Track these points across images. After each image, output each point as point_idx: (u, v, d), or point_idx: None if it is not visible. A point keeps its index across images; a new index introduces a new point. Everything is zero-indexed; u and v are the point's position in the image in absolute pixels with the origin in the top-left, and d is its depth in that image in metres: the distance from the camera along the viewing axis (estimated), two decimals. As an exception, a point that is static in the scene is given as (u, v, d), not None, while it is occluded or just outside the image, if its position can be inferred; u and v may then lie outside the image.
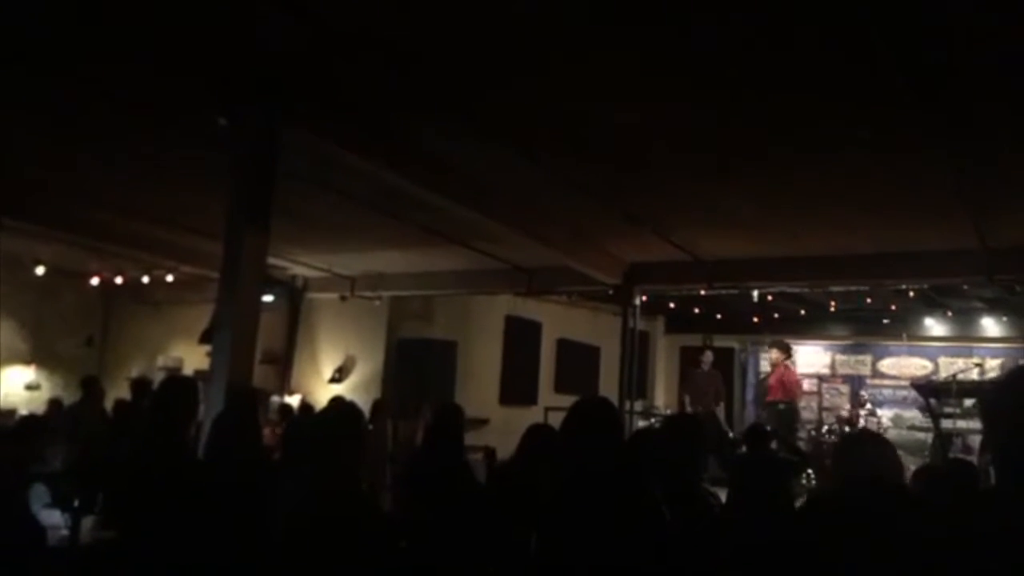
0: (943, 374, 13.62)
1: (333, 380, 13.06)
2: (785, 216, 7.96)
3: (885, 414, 13.38)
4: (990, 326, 14.35)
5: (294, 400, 12.42)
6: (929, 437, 11.23)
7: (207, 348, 5.73)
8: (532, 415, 10.96)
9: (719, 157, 6.32)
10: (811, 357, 16.18)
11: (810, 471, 11.42)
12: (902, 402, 14.45)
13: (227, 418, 4.29)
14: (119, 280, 12.77)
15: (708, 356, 13.20)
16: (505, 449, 4.80)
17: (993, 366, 13.65)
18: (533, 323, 14.40)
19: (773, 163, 6.41)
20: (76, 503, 4.55)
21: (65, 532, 4.50)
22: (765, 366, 14.73)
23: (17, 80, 5.65)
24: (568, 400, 3.37)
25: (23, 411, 10.85)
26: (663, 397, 16.88)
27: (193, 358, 12.34)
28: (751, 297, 11.34)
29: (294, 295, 13.18)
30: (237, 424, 4.20)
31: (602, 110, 5.56)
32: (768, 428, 8.24)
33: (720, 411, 12.67)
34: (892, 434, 12.15)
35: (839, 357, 16.02)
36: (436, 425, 5.14)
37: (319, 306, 13.43)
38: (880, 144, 5.82)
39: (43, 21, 4.70)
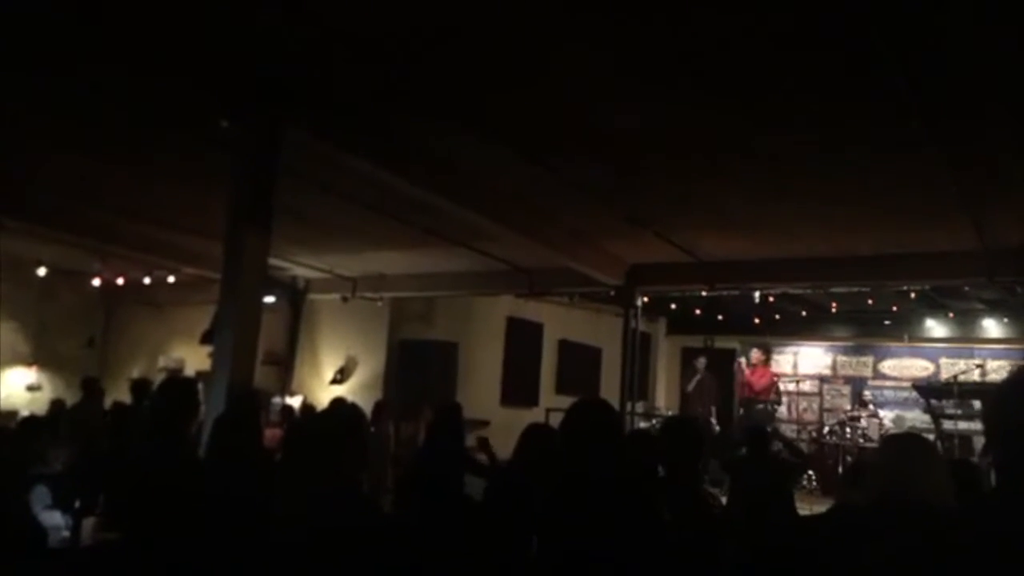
0: (944, 375, 13.60)
1: (334, 381, 13.06)
2: (786, 217, 7.96)
3: (886, 415, 13.36)
4: (991, 327, 14.34)
5: (295, 401, 12.43)
6: (930, 438, 11.21)
7: (208, 349, 5.74)
8: (533, 416, 10.96)
9: (720, 158, 6.33)
10: (812, 358, 16.16)
11: (811, 472, 11.43)
12: (903, 403, 14.43)
13: (228, 419, 4.29)
14: (120, 281, 12.79)
15: (701, 362, 13.24)
16: (506, 450, 4.79)
17: (994, 367, 13.64)
18: (534, 324, 14.40)
19: (774, 164, 6.40)
20: (77, 504, 4.55)
21: (66, 533, 4.50)
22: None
23: (19, 81, 5.66)
24: (569, 401, 3.36)
25: (24, 412, 10.86)
26: (664, 398, 16.86)
27: (194, 359, 12.36)
28: (752, 298, 11.33)
29: (295, 296, 13.19)
30: (238, 425, 4.20)
31: (602, 111, 5.57)
32: (769, 429, 8.24)
33: (713, 416, 12.68)
34: (893, 435, 12.12)
35: (840, 358, 16.00)
36: (436, 424, 5.15)
37: (320, 307, 13.44)
38: (881, 145, 5.82)
39: (45, 22, 4.70)
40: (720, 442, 11.00)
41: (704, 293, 11.09)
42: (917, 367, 15.16)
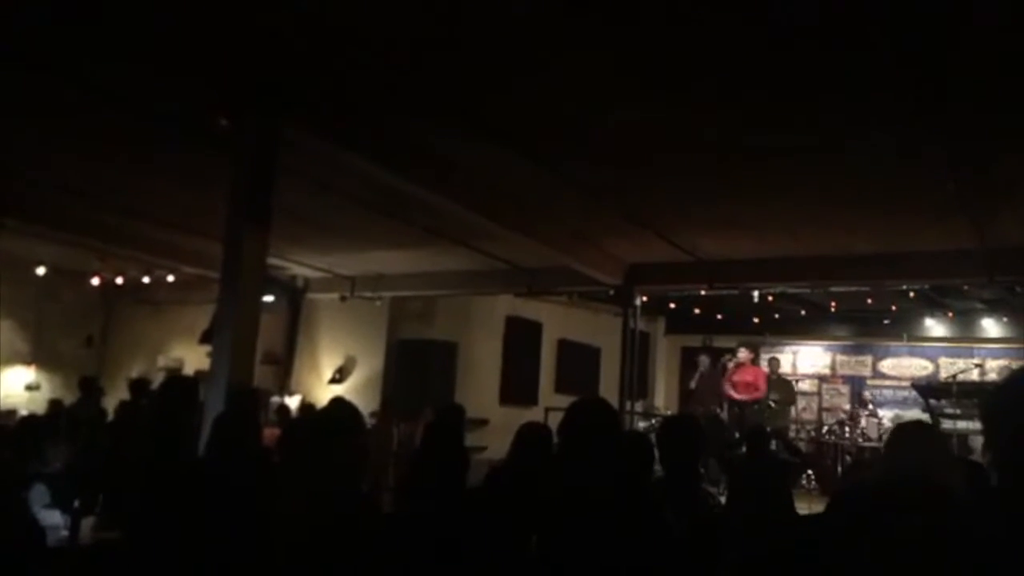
0: (943, 375, 13.60)
1: (333, 381, 13.06)
2: (786, 216, 7.97)
3: (885, 414, 13.36)
4: (990, 327, 14.34)
5: (294, 401, 12.43)
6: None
7: (207, 348, 5.74)
8: (532, 415, 10.93)
9: (719, 158, 6.33)
10: (811, 357, 16.17)
11: (810, 472, 11.43)
12: (902, 403, 14.42)
13: (227, 418, 4.29)
14: (119, 280, 12.79)
15: (704, 359, 13.20)
16: (505, 450, 4.79)
17: (994, 367, 13.64)
18: (534, 323, 14.40)
19: (774, 164, 6.41)
20: (76, 503, 4.54)
21: (65, 533, 4.50)
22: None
23: (18, 81, 5.66)
24: (568, 400, 3.36)
25: (23, 411, 10.86)
26: (663, 398, 16.87)
27: (193, 358, 12.35)
28: (751, 298, 11.32)
29: (294, 295, 13.19)
30: (237, 424, 4.19)
31: (602, 111, 5.57)
32: (768, 429, 8.24)
33: (724, 412, 12.62)
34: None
35: (839, 357, 16.00)
36: (436, 424, 5.14)
37: (319, 306, 13.43)
38: (881, 145, 5.82)
39: (44, 22, 4.70)
40: (723, 438, 10.95)
41: (703, 292, 11.09)
42: (916, 366, 15.16)
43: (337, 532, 2.99)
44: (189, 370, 12.50)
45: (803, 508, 7.35)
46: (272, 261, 9.73)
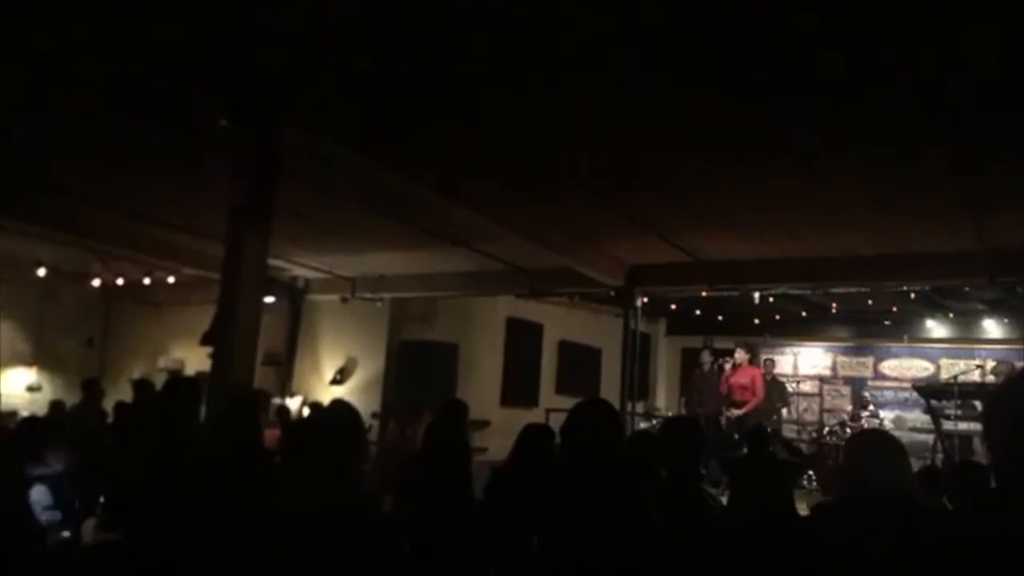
0: (944, 376, 13.59)
1: (334, 382, 13.06)
2: (787, 218, 7.96)
3: (887, 416, 13.35)
4: (991, 328, 14.34)
5: (294, 402, 12.43)
6: (930, 439, 11.22)
7: (208, 350, 5.73)
8: (533, 416, 10.94)
9: (720, 159, 6.33)
10: (812, 359, 16.16)
11: (811, 472, 11.42)
12: (903, 404, 14.42)
13: (228, 420, 4.29)
14: (120, 281, 12.79)
15: (706, 356, 13.16)
16: (506, 451, 4.79)
17: (992, 368, 13.63)
18: (534, 325, 14.39)
19: (775, 166, 6.41)
20: (77, 505, 4.55)
21: (66, 534, 4.50)
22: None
23: (18, 81, 5.66)
24: (569, 402, 3.36)
25: (24, 413, 10.85)
26: (664, 399, 16.86)
27: (194, 360, 12.34)
28: (752, 299, 11.32)
29: (295, 296, 13.18)
30: (238, 426, 4.19)
31: (603, 112, 5.57)
32: (769, 430, 8.24)
33: (723, 413, 12.58)
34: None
35: (840, 359, 16.00)
36: (439, 422, 5.14)
37: (320, 308, 13.43)
38: (881, 146, 5.82)
39: (44, 22, 4.70)
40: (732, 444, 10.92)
41: (704, 294, 11.09)
42: (917, 367, 15.16)
43: (336, 534, 2.99)
44: (190, 371, 12.50)
45: (803, 509, 7.34)
46: (273, 262, 9.73)
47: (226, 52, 4.98)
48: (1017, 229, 7.69)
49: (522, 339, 14.11)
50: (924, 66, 4.50)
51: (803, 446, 12.85)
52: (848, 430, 12.46)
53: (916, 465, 8.04)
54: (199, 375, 9.70)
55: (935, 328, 14.79)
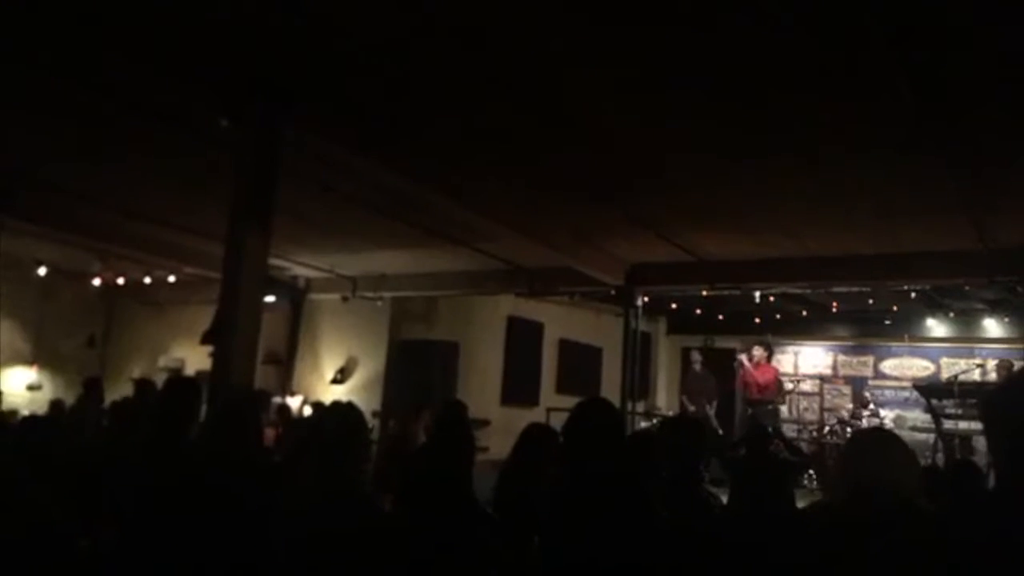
0: (945, 375, 13.58)
1: (335, 381, 13.06)
2: (787, 217, 7.96)
3: (887, 415, 13.34)
4: (992, 327, 14.32)
5: (295, 401, 12.42)
6: (931, 438, 11.21)
7: (209, 349, 5.73)
8: (534, 416, 10.95)
9: (720, 158, 6.33)
10: (813, 358, 16.15)
11: (811, 472, 11.41)
12: (904, 403, 14.40)
13: (229, 419, 4.29)
14: (121, 281, 12.79)
15: (696, 356, 13.20)
16: (507, 450, 4.79)
17: (995, 366, 13.62)
18: (535, 324, 14.39)
19: (775, 166, 6.41)
20: (77, 506, 4.54)
21: (66, 535, 4.49)
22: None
23: (19, 81, 5.66)
24: (570, 401, 3.37)
25: (25, 412, 10.85)
26: (665, 398, 16.85)
27: (195, 359, 12.33)
28: (753, 298, 11.32)
29: (296, 296, 13.18)
30: (238, 425, 4.19)
31: (604, 112, 5.57)
32: (770, 429, 8.23)
33: (712, 411, 12.60)
34: (893, 435, 12.07)
35: (841, 358, 15.98)
36: (440, 423, 5.14)
37: (321, 307, 13.44)
38: (881, 146, 5.82)
39: (45, 22, 4.70)
40: (721, 443, 10.95)
41: (704, 293, 11.09)
42: (918, 367, 15.15)
43: (339, 533, 2.99)
44: (190, 370, 12.50)
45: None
46: (273, 261, 9.73)
47: (226, 52, 4.99)
48: (1017, 229, 7.69)
49: (523, 338, 14.10)
50: (924, 66, 4.50)
51: (804, 445, 12.83)
52: (848, 429, 12.46)
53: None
54: (200, 374, 9.70)
55: (935, 327, 14.77)
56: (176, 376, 10.87)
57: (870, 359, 15.70)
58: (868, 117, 5.31)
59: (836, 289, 11.32)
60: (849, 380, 15.74)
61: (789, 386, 13.80)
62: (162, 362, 13.96)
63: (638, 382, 11.41)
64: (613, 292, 11.20)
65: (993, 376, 11.93)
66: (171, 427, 4.27)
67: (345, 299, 12.70)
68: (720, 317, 14.87)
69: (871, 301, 12.87)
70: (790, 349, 16.04)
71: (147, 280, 12.54)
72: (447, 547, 3.46)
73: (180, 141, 6.49)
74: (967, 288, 11.72)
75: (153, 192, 8.39)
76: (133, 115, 6.06)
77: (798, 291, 11.68)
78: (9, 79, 5.62)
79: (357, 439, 3.37)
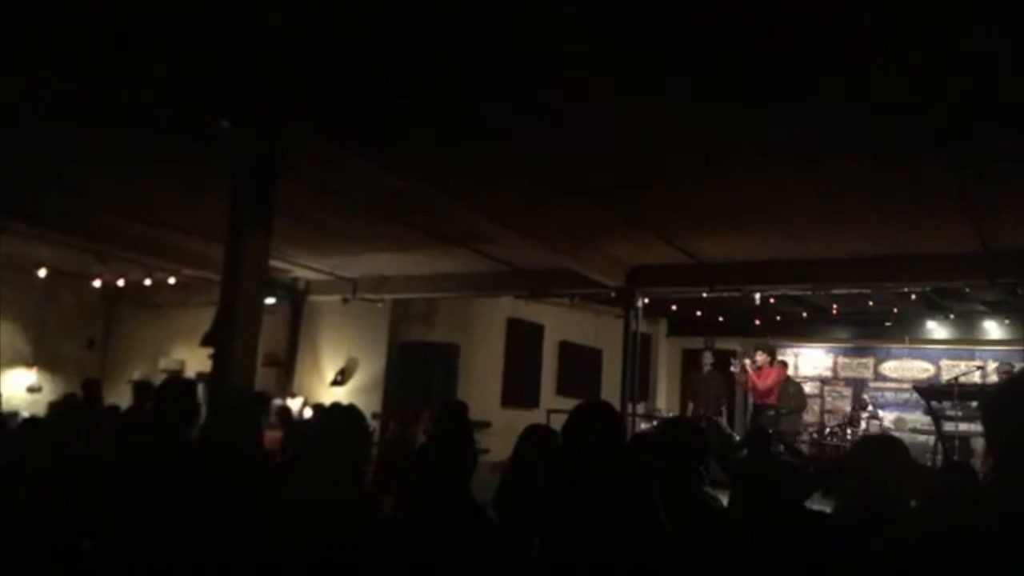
0: (945, 377, 13.58)
1: (335, 383, 13.06)
2: (787, 219, 7.97)
3: (887, 416, 13.34)
4: (992, 328, 14.32)
5: (295, 403, 12.42)
6: (931, 440, 11.21)
7: (209, 351, 5.74)
8: (534, 417, 10.94)
9: (720, 160, 6.33)
10: (813, 360, 16.16)
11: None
12: (904, 405, 14.42)
13: (229, 421, 4.29)
14: (121, 283, 12.80)
15: (707, 357, 13.16)
16: (507, 452, 4.79)
17: (995, 369, 13.62)
18: (535, 326, 14.39)
19: (775, 167, 6.41)
20: (77, 507, 4.54)
21: (66, 536, 4.49)
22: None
23: (19, 84, 5.66)
24: (570, 403, 3.37)
25: (25, 414, 10.85)
26: (665, 400, 16.85)
27: (195, 360, 12.35)
28: (753, 300, 11.32)
29: (296, 297, 13.18)
30: (239, 427, 4.19)
31: (603, 113, 5.57)
32: (771, 431, 8.23)
33: (722, 415, 12.60)
34: (894, 437, 12.08)
35: (841, 360, 16.00)
36: (441, 424, 5.14)
37: (321, 308, 13.44)
38: (882, 147, 5.82)
39: (46, 25, 4.70)
40: (733, 447, 10.94)
41: (705, 294, 11.09)
42: (918, 369, 15.16)
43: (336, 536, 2.99)
44: (190, 372, 12.51)
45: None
46: (273, 263, 9.73)
47: (227, 53, 4.99)
48: (1017, 229, 7.69)
49: (523, 340, 14.10)
50: (924, 66, 4.50)
51: (804, 447, 12.83)
52: (849, 431, 12.46)
53: (917, 466, 8.04)
54: (200, 376, 9.71)
55: (936, 329, 14.77)
56: (172, 377, 10.87)
57: (870, 361, 15.71)
58: (868, 117, 5.31)
59: (836, 291, 11.32)
60: (849, 382, 15.76)
61: (805, 388, 13.70)
62: (162, 364, 13.96)
63: (638, 384, 11.41)
64: (613, 294, 11.20)
65: (994, 379, 11.92)
66: (169, 428, 4.27)
67: (345, 301, 12.70)
68: (720, 319, 14.87)
69: (871, 303, 12.88)
70: (790, 351, 16.04)
71: (147, 282, 12.55)
72: (447, 549, 3.46)
73: (180, 142, 6.49)
74: (967, 290, 11.73)
75: (153, 193, 8.39)
76: (133, 116, 6.06)
77: (798, 293, 11.67)
78: (9, 82, 5.62)
79: (357, 441, 3.38)
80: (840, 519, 3.03)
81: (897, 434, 12.72)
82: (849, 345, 15.89)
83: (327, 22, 4.50)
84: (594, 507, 2.98)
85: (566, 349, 15.01)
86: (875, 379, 15.53)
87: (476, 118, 5.78)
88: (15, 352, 13.19)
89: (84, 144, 6.96)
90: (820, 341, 15.99)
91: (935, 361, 14.95)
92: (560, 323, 14.80)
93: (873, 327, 14.98)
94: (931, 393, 11.14)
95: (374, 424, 10.65)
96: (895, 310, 13.77)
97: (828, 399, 15.88)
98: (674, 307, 14.44)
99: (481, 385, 12.96)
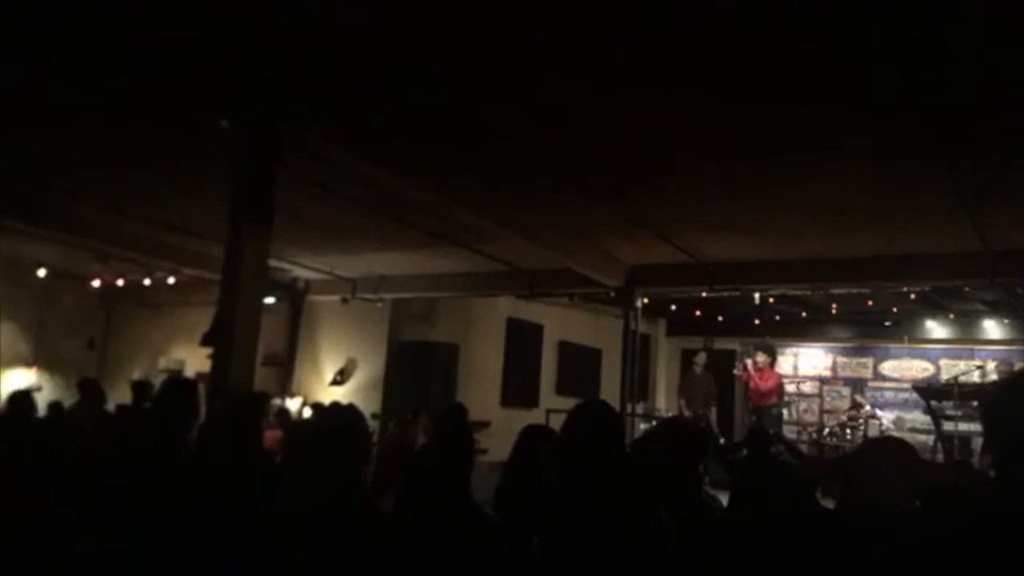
0: (944, 376, 13.59)
1: (334, 383, 13.05)
2: (786, 218, 7.96)
3: (886, 416, 13.35)
4: (991, 328, 14.33)
5: (294, 403, 12.42)
6: (931, 439, 11.22)
7: (209, 351, 5.73)
8: (533, 417, 10.95)
9: (720, 160, 6.33)
10: (812, 359, 16.17)
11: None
12: (903, 404, 14.43)
13: (228, 421, 4.29)
14: (120, 282, 12.80)
15: (701, 358, 13.17)
16: (506, 452, 4.79)
17: (995, 368, 13.63)
18: (535, 325, 14.39)
19: (774, 166, 6.41)
20: (77, 507, 4.54)
21: (66, 537, 4.49)
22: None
23: (18, 83, 5.66)
24: (569, 402, 3.36)
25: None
26: (664, 399, 16.85)
27: (194, 360, 12.34)
28: (752, 299, 11.33)
29: (295, 297, 13.18)
30: (238, 427, 4.19)
31: (603, 113, 5.57)
32: (771, 431, 8.23)
33: (712, 414, 12.61)
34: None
35: (840, 359, 16.01)
36: (440, 425, 5.13)
37: (320, 308, 13.43)
38: (881, 148, 5.82)
39: (44, 24, 4.70)
40: (721, 449, 10.96)
41: (704, 294, 11.09)
42: (917, 368, 15.16)
43: (336, 535, 2.99)
44: (190, 372, 12.50)
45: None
46: (273, 263, 9.73)
47: (226, 52, 4.99)
48: (1017, 229, 7.69)
49: (522, 340, 14.11)
50: (924, 66, 4.50)
51: (803, 447, 12.83)
52: (848, 431, 12.48)
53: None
54: (199, 376, 9.69)
55: (935, 329, 14.78)
56: (174, 378, 10.86)
57: (870, 361, 15.72)
58: (868, 117, 5.31)
59: (836, 290, 11.32)
60: (849, 382, 15.77)
61: (791, 388, 13.81)
62: (162, 364, 13.95)
63: (638, 384, 11.40)
64: (613, 293, 11.19)
65: (994, 378, 11.93)
66: (169, 428, 4.27)
67: (345, 300, 12.69)
68: (720, 319, 14.87)
69: (871, 303, 12.88)
70: (789, 351, 16.06)
71: (147, 282, 12.55)
72: (446, 549, 3.45)
73: (180, 142, 6.48)
74: (967, 289, 11.74)
75: (153, 193, 8.39)
76: (132, 116, 6.06)
77: (798, 292, 11.68)
78: (9, 81, 5.61)
79: (357, 441, 3.37)
80: (840, 519, 3.03)
81: (897, 434, 12.75)
82: (848, 345, 15.90)
83: (327, 22, 4.50)
84: (593, 507, 2.98)
85: (565, 349, 15.02)
86: (874, 379, 15.54)
87: (476, 118, 5.78)
88: (15, 352, 13.19)
89: (84, 144, 6.96)
90: (819, 341, 16.00)
91: (935, 361, 14.96)
92: (559, 323, 14.80)
93: (872, 327, 14.99)
94: (931, 393, 11.16)
95: (374, 424, 10.66)
96: (894, 310, 13.78)
97: (827, 399, 15.89)
98: (673, 307, 14.45)
99: (480, 385, 12.96)
